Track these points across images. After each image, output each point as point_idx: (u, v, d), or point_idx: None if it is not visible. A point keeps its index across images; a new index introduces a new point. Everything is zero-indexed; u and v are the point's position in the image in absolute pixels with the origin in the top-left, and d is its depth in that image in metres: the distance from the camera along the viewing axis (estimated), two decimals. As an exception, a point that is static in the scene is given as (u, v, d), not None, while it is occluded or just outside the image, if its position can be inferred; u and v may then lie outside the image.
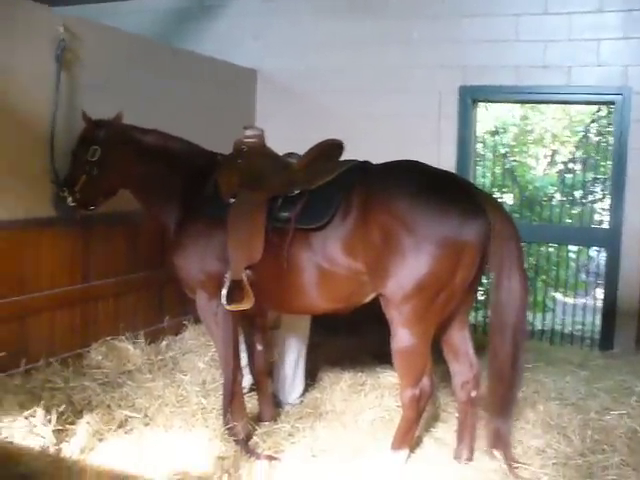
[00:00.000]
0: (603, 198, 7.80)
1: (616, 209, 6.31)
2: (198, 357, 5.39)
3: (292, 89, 7.11)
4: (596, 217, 8.69)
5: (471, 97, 6.64)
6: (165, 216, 4.45)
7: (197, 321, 5.87)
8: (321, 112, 6.85)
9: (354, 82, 6.93)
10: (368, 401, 4.79)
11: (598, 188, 8.90)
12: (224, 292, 4.00)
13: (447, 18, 6.62)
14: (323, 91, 7.01)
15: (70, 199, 4.48)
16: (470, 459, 3.98)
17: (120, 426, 4.19)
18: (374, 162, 4.03)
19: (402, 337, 3.66)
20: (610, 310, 6.40)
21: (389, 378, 5.09)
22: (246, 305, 4.01)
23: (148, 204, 4.58)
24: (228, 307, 4.02)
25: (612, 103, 6.36)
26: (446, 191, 3.68)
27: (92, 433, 3.98)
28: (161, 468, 3.53)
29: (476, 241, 3.54)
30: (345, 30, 6.97)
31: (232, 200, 4.06)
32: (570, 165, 7.14)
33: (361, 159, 4.05)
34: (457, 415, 4.19)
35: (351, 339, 6.05)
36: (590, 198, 9.76)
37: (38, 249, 4.78)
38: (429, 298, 3.57)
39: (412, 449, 4.01)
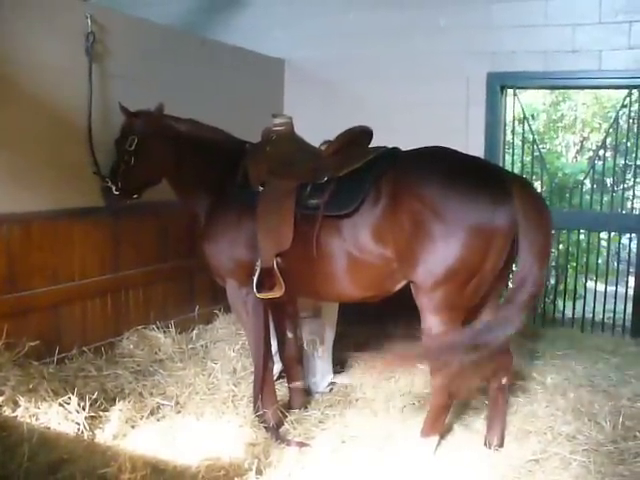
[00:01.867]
0: (634, 184, 7.69)
1: (648, 195, 6.23)
2: (228, 345, 5.40)
3: (320, 79, 7.09)
4: (627, 204, 8.58)
5: (499, 84, 6.56)
6: (196, 204, 4.49)
7: (227, 310, 5.90)
8: (348, 101, 6.81)
9: (381, 71, 6.88)
10: (398, 388, 4.83)
11: (629, 174, 8.80)
12: (255, 280, 4.03)
13: (474, 4, 6.53)
14: (350, 80, 6.96)
15: (114, 188, 4.53)
16: (500, 446, 3.99)
17: (152, 413, 4.24)
18: (403, 149, 4.01)
19: (432, 324, 3.66)
20: (642, 297, 6.32)
21: (419, 365, 5.09)
22: (277, 293, 4.04)
23: (182, 193, 4.62)
24: (259, 295, 4.05)
25: (644, 87, 6.24)
26: (476, 177, 3.67)
27: (124, 420, 4.03)
28: (192, 454, 3.55)
29: (507, 227, 3.51)
30: (372, 19, 6.92)
31: (261, 188, 4.09)
32: (600, 152, 7.03)
33: (390, 146, 4.03)
34: (487, 402, 4.20)
35: (380, 327, 6.06)
36: (621, 185, 9.67)
37: (70, 240, 4.82)
38: (459, 285, 3.57)
39: (442, 436, 4.02)
